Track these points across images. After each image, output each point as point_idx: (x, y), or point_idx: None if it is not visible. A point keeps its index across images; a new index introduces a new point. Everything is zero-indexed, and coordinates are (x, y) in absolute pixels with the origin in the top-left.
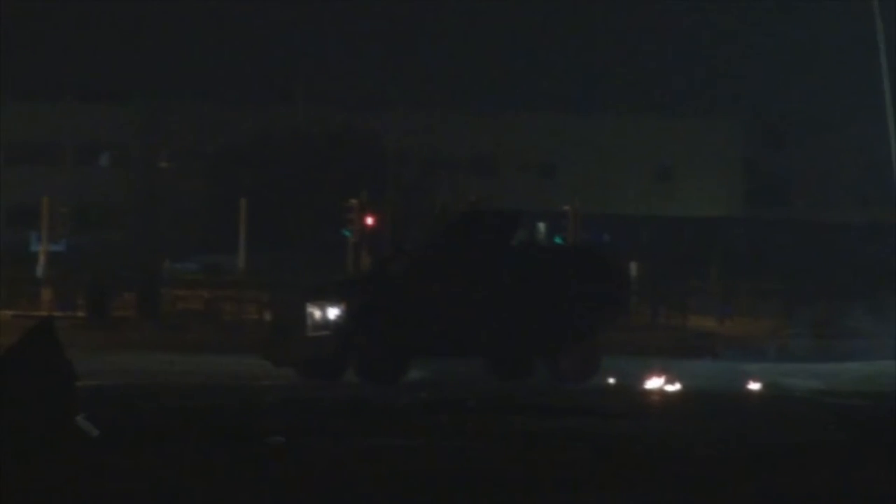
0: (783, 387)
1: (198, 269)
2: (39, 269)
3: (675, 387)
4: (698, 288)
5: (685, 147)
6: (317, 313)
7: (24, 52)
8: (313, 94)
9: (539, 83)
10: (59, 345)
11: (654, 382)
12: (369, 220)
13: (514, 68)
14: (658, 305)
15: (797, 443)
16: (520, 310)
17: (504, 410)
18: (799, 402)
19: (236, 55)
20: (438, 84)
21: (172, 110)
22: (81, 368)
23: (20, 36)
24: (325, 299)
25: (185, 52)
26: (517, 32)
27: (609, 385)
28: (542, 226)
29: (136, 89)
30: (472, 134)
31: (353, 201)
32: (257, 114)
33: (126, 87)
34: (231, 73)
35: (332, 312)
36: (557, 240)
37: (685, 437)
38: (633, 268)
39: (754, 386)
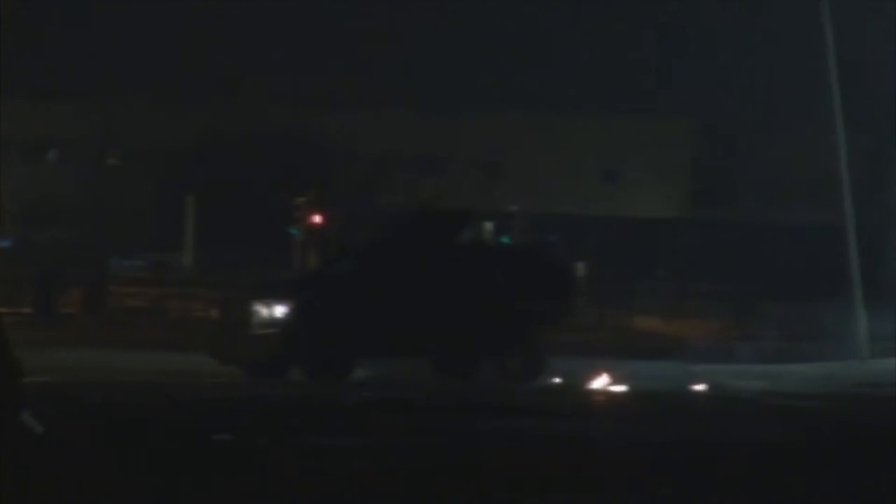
0: (729, 388)
1: (145, 266)
2: None
3: (621, 387)
4: (646, 288)
5: (634, 148)
6: (263, 311)
7: None
8: (261, 91)
9: (488, 83)
10: (5, 341)
11: (600, 383)
12: (317, 219)
13: (463, 68)
14: (605, 306)
15: (739, 443)
16: (466, 309)
17: (450, 410)
18: (744, 402)
19: (184, 52)
20: (387, 82)
21: (120, 107)
22: (27, 365)
23: None
24: (271, 297)
25: (133, 49)
26: (466, 31)
27: (555, 385)
28: (489, 225)
29: (84, 86)
30: (420, 133)
31: (301, 200)
32: (205, 111)
33: (74, 84)
34: (178, 70)
35: (279, 311)
36: (505, 239)
37: (629, 437)
38: (581, 268)
39: (700, 387)
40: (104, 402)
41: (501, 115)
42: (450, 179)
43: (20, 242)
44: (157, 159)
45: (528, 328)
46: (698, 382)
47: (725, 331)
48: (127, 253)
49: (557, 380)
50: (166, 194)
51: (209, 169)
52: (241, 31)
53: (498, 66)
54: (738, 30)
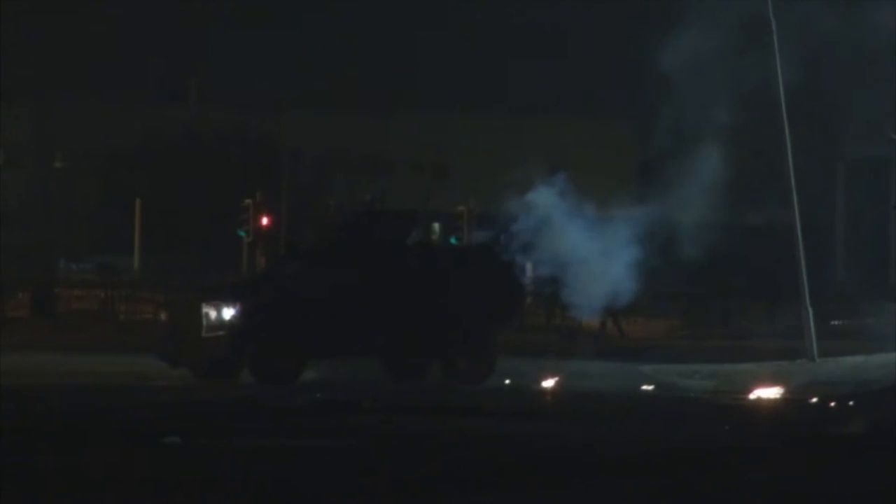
0: (678, 387)
1: (93, 269)
2: None
3: (569, 387)
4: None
5: (579, 148)
6: (212, 314)
7: None
8: (206, 94)
9: (434, 83)
10: None
11: (548, 383)
12: (264, 221)
13: (407, 68)
14: (553, 306)
15: (687, 442)
16: (415, 310)
17: (399, 411)
18: (692, 402)
19: (128, 53)
20: (331, 84)
21: (66, 110)
22: None
23: None
24: (220, 300)
25: (77, 50)
26: (409, 30)
27: (504, 386)
28: (437, 226)
29: (29, 88)
30: (365, 134)
31: (248, 202)
32: (150, 114)
33: (18, 87)
34: (123, 72)
35: (228, 313)
36: (453, 240)
37: (579, 437)
38: (529, 268)
39: (648, 387)
40: (53, 405)
41: (446, 115)
42: (396, 180)
43: None
44: (103, 162)
45: (477, 329)
46: (647, 382)
47: (675, 330)
48: (75, 256)
49: (507, 381)
50: (113, 197)
51: (155, 172)
52: (183, 32)
53: (444, 67)
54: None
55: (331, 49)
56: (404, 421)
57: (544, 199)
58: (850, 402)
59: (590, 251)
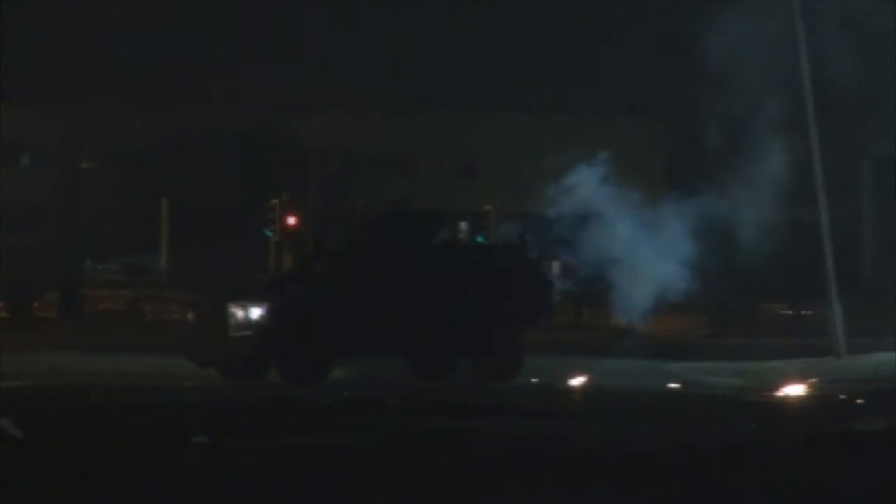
0: (705, 384)
1: (120, 269)
2: None
3: (597, 385)
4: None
5: (606, 146)
6: (239, 313)
7: None
8: (232, 93)
9: (459, 82)
10: None
11: (576, 381)
12: (291, 221)
13: (434, 66)
14: (581, 304)
15: (715, 439)
16: (442, 309)
17: (427, 410)
18: (719, 399)
19: (153, 54)
20: (357, 83)
21: (92, 110)
22: (4, 369)
23: None
24: (247, 299)
25: (103, 51)
26: (436, 30)
27: (532, 384)
28: (464, 225)
29: (55, 89)
30: (392, 133)
31: (275, 201)
32: (176, 114)
33: (44, 88)
34: (149, 72)
35: (255, 312)
36: (479, 239)
37: (605, 435)
38: (555, 266)
39: (675, 385)
40: (82, 405)
41: (474, 114)
42: (422, 179)
43: None
44: (130, 163)
45: (504, 328)
46: (675, 380)
47: (702, 328)
48: (102, 257)
49: (535, 379)
50: (139, 198)
51: (181, 172)
52: (209, 32)
53: (469, 65)
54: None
55: (356, 47)
56: (430, 420)
57: (585, 182)
58: (878, 399)
59: (636, 247)
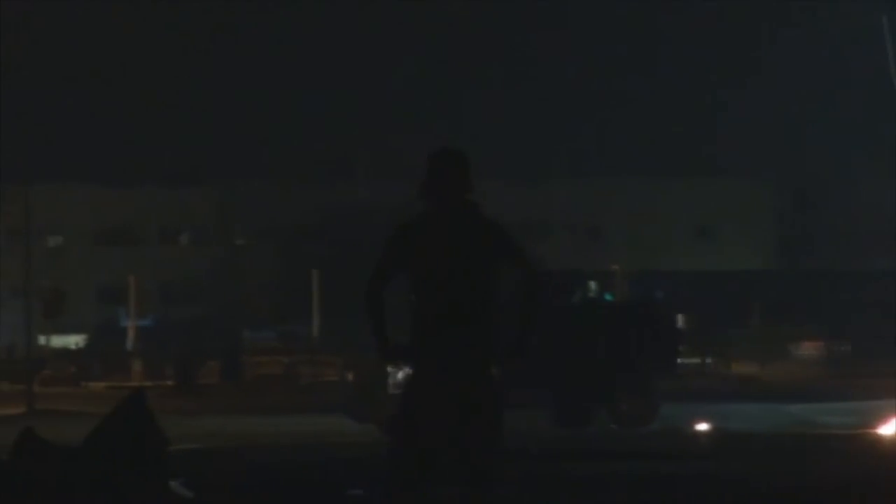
0: (821, 425)
1: (275, 337)
2: (129, 343)
3: (721, 428)
4: (741, 336)
5: (721, 205)
6: (398, 372)
7: (107, 142)
8: (374, 169)
9: (584, 151)
10: (151, 413)
11: (702, 425)
12: None
13: (560, 137)
14: (705, 353)
15: (831, 477)
16: (582, 361)
17: (565, 457)
18: (834, 439)
19: (299, 135)
20: (491, 154)
21: (244, 190)
22: (172, 433)
23: (104, 128)
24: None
25: (252, 135)
26: (558, 100)
27: (664, 429)
28: (592, 284)
29: (210, 172)
30: (523, 200)
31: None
32: (322, 190)
33: (200, 171)
34: (295, 152)
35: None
36: (608, 297)
37: (743, 475)
38: (680, 319)
39: (794, 426)
40: (245, 465)
41: (598, 181)
42: (551, 242)
43: (159, 321)
44: (281, 237)
45: (640, 376)
46: (793, 421)
47: (816, 372)
48: (258, 325)
49: (667, 424)
50: (292, 269)
51: (330, 245)
52: (353, 111)
53: (591, 135)
54: (814, 93)
55: (490, 122)
56: (570, 466)
57: (701, 242)
58: None
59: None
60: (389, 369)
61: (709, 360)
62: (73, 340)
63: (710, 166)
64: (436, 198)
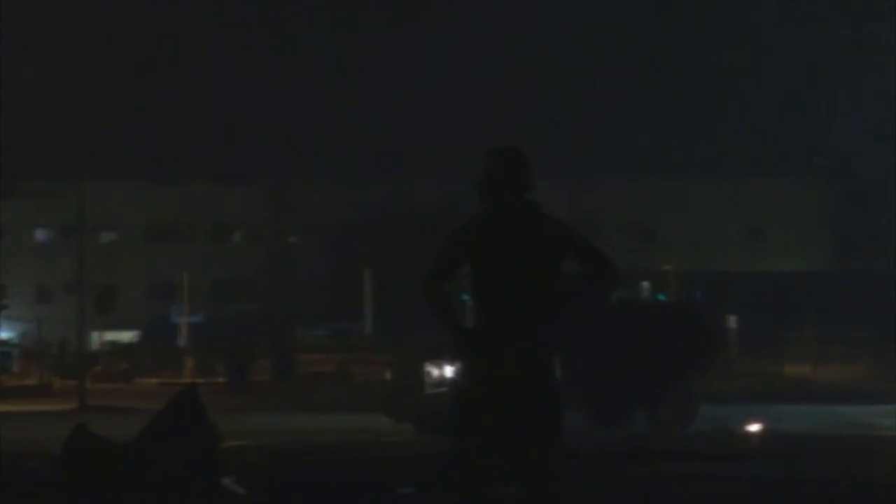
0: (873, 427)
1: (328, 335)
2: (181, 340)
3: (772, 429)
4: (793, 337)
5: (775, 207)
6: (434, 371)
7: (160, 139)
8: (427, 167)
9: (638, 151)
10: (203, 409)
11: (753, 426)
12: None
13: (611, 137)
14: (756, 355)
15: (885, 478)
16: (622, 362)
17: (616, 457)
18: (887, 441)
19: (352, 133)
20: (545, 154)
21: (296, 188)
22: (224, 430)
23: (157, 125)
24: (442, 358)
25: (305, 133)
26: (616, 105)
27: (714, 429)
28: (645, 284)
29: (263, 171)
30: (576, 200)
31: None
32: (374, 188)
33: (252, 169)
34: (348, 151)
35: (449, 370)
36: (661, 297)
37: (784, 476)
38: (732, 320)
39: (846, 427)
40: (298, 462)
41: (650, 182)
42: (605, 242)
43: (211, 317)
44: (333, 235)
45: (676, 379)
46: (845, 423)
47: (868, 374)
48: (311, 324)
49: (716, 425)
50: (344, 268)
51: (383, 243)
52: (406, 111)
53: (644, 135)
54: (868, 93)
55: (544, 121)
56: (622, 466)
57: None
58: None
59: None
60: (426, 369)
61: (761, 362)
62: (126, 337)
63: (763, 166)
64: (495, 196)
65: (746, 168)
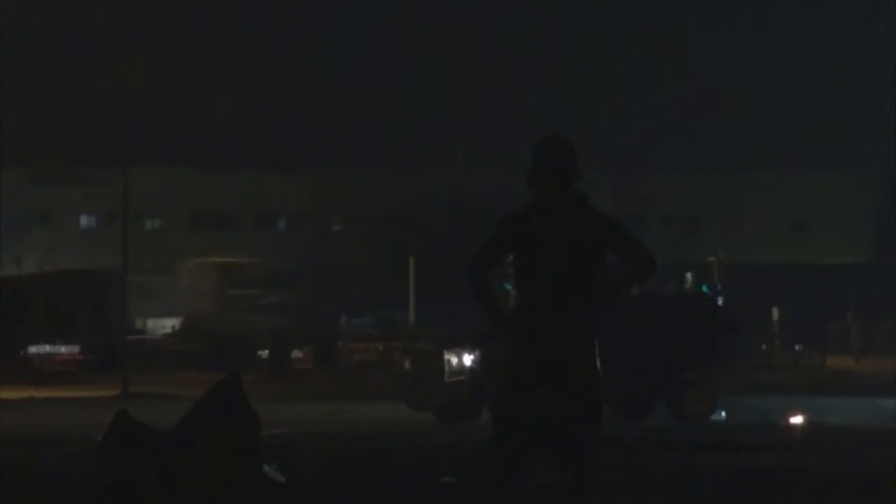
0: None
1: (371, 323)
2: None
3: (814, 422)
4: (836, 330)
5: (818, 199)
6: (453, 360)
7: (205, 125)
8: (473, 156)
9: (681, 145)
10: (245, 397)
11: (794, 418)
12: None
13: (656, 131)
14: (800, 347)
15: None
16: (644, 354)
17: (659, 447)
18: None
19: (398, 121)
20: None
21: (342, 177)
22: (266, 418)
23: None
24: (460, 347)
25: (351, 122)
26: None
27: (756, 421)
28: (689, 275)
29: (307, 158)
30: (620, 192)
31: (512, 258)
32: (420, 178)
33: (297, 157)
34: (393, 139)
35: (468, 359)
36: (704, 288)
37: (825, 468)
38: (775, 313)
39: (893, 421)
40: (340, 450)
41: (695, 175)
42: (650, 234)
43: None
44: (378, 224)
45: (694, 370)
46: (887, 416)
47: None
48: (354, 312)
49: (758, 417)
50: (388, 256)
51: (427, 231)
52: (452, 98)
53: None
54: None
55: (591, 113)
56: (664, 455)
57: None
58: None
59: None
60: (446, 357)
61: (803, 353)
62: (169, 324)
63: (808, 160)
64: (543, 186)
65: (791, 161)
